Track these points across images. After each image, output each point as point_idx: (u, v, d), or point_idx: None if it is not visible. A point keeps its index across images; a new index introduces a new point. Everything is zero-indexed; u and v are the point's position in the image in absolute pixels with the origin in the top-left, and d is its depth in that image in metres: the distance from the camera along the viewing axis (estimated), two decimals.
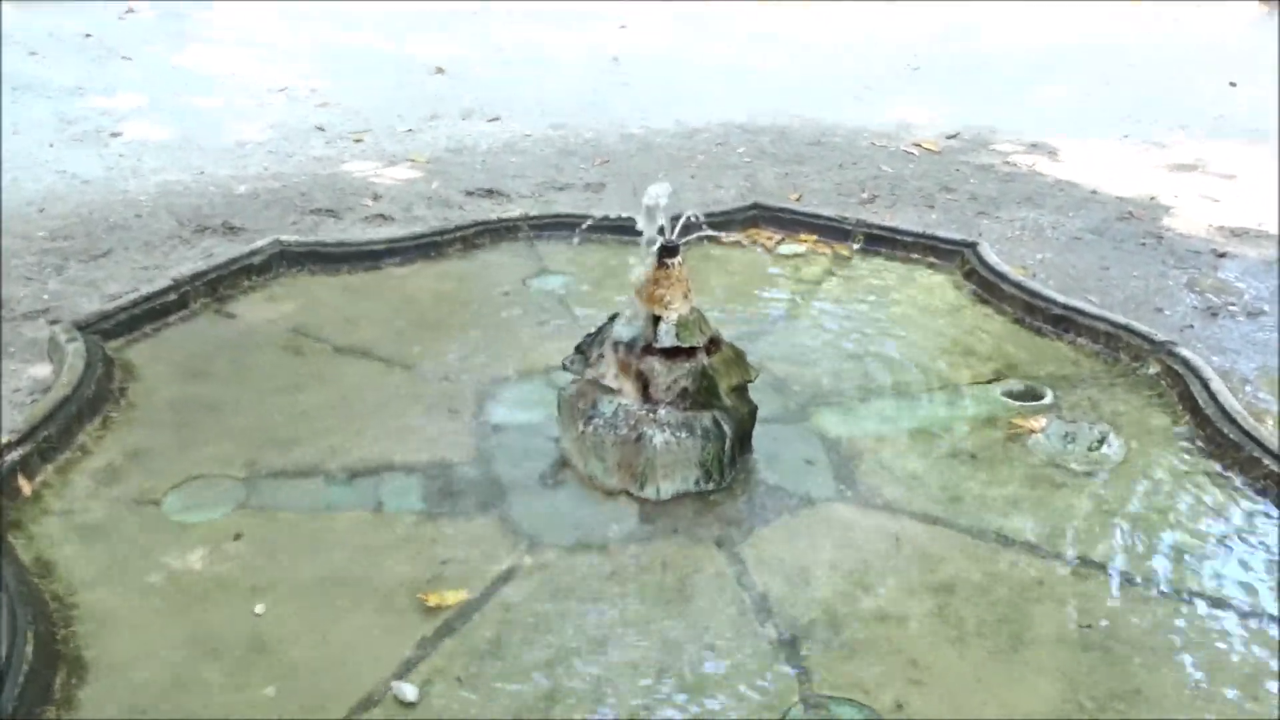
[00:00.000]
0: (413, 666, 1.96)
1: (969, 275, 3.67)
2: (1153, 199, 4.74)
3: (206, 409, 2.71)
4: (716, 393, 2.41)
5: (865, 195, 4.80)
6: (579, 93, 6.23)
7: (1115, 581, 2.22)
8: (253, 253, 3.48)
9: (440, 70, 6.47)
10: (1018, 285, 3.46)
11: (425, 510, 2.37)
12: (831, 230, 4.02)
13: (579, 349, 2.57)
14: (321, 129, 5.41)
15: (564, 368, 2.57)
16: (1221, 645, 2.06)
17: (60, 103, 5.48)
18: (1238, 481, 2.52)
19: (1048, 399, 2.91)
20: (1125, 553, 2.30)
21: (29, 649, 1.87)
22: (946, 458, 2.64)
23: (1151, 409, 2.84)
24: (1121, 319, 3.22)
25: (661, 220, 2.36)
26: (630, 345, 2.41)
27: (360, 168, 4.94)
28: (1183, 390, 2.85)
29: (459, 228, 3.89)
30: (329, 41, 7.07)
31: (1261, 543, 2.33)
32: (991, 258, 3.64)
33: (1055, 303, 3.33)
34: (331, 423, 2.68)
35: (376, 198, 4.55)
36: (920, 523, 2.39)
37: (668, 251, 2.37)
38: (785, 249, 3.98)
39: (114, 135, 5.08)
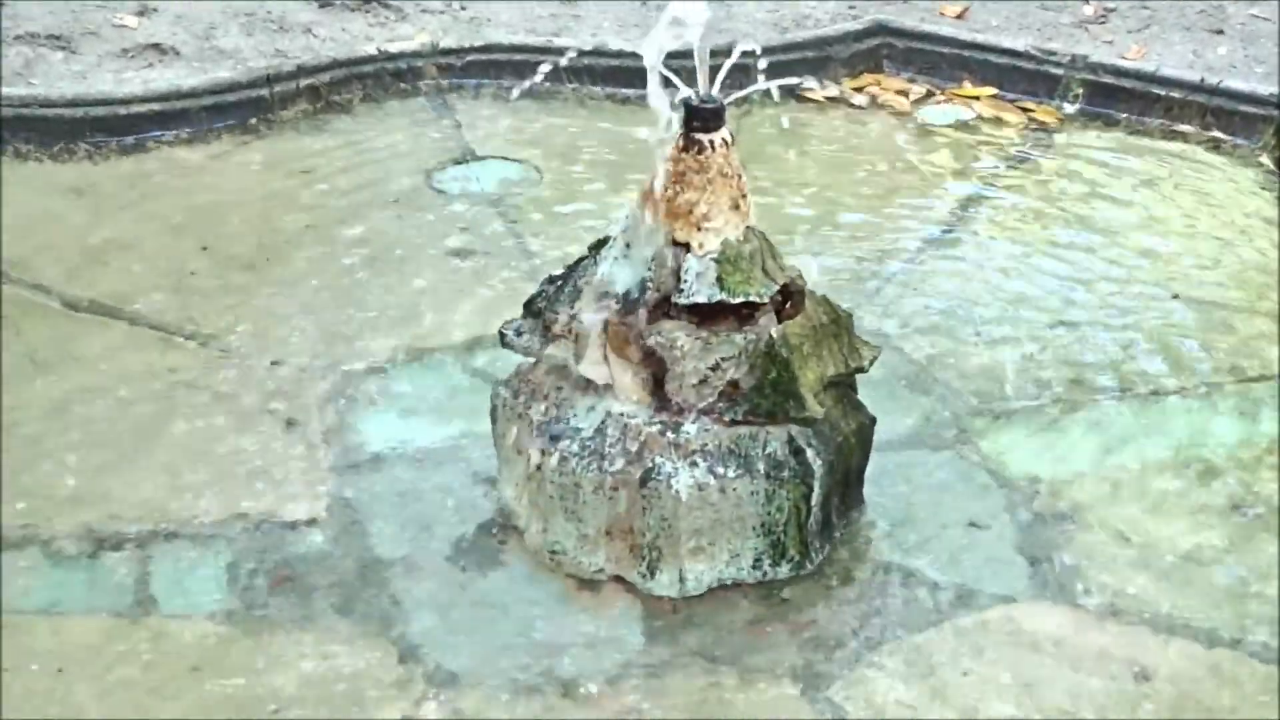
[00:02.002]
0: None
1: None
2: None
3: None
4: (795, 392, 2.42)
5: (1090, 9, 4.78)
6: None
7: None
8: None
9: None
10: None
11: (235, 613, 2.38)
12: (1023, 76, 4.02)
13: (532, 307, 2.58)
14: None
15: (503, 342, 2.59)
16: None
17: None
18: None
19: None
20: None
21: None
22: (1237, 519, 2.65)
23: None
24: None
25: (689, 55, 2.36)
26: (631, 300, 2.43)
27: None
28: None
29: (304, 72, 3.89)
30: None
31: None
32: None
33: None
34: (56, 446, 2.70)
35: (144, 13, 4.55)
36: (1188, 642, 2.39)
37: (703, 119, 2.38)
38: (933, 112, 3.99)
39: None
